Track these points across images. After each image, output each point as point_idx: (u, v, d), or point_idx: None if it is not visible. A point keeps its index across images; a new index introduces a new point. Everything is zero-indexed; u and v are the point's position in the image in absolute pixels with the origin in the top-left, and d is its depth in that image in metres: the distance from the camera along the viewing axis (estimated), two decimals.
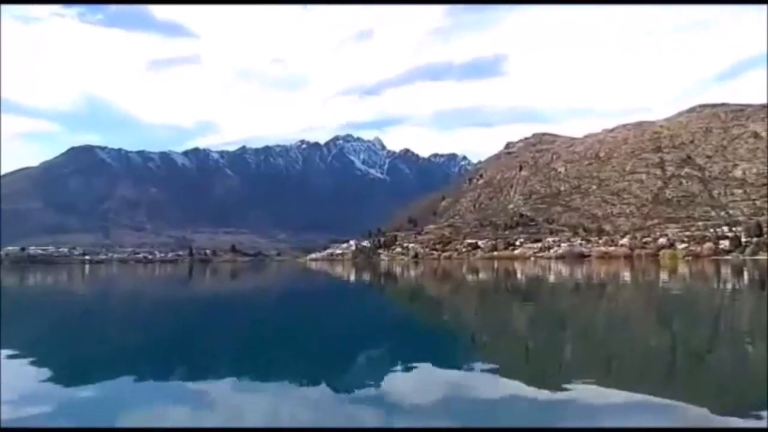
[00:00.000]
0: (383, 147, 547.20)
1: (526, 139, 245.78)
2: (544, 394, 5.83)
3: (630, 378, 6.67)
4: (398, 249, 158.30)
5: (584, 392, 5.82)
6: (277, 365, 7.89)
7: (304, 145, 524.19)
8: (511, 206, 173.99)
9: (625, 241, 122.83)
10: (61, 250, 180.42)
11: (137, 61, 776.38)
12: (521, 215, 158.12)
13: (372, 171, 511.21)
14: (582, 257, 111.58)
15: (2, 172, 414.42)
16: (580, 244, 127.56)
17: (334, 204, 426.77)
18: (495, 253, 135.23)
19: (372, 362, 8.18)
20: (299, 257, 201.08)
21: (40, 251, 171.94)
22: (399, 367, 7.46)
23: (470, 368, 7.38)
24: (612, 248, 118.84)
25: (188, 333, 12.52)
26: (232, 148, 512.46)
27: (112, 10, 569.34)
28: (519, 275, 42.93)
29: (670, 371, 7.25)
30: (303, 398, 5.88)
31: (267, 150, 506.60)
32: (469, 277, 40.53)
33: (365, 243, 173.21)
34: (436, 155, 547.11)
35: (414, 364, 7.55)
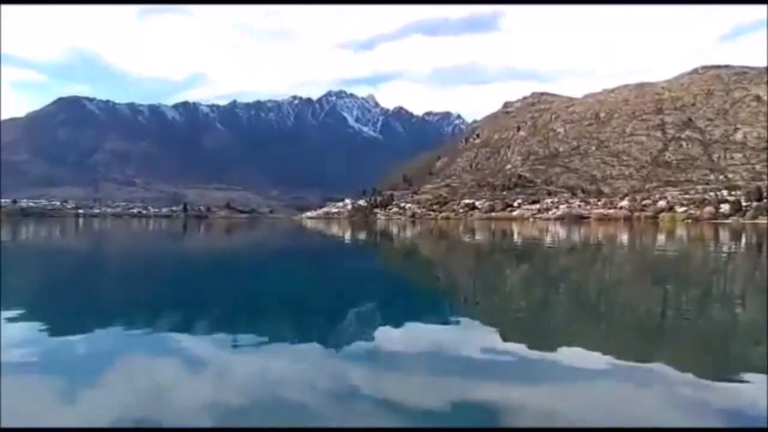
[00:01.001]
0: (377, 104, 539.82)
1: (524, 98, 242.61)
2: (527, 353, 5.90)
3: (617, 340, 6.75)
4: (395, 209, 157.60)
5: (568, 352, 5.91)
6: (267, 321, 7.97)
7: (296, 101, 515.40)
8: (508, 167, 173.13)
9: (624, 203, 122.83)
10: (53, 203, 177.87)
11: (127, 11, 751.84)
12: (519, 176, 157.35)
13: (365, 129, 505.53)
14: (581, 219, 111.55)
15: None
16: (579, 206, 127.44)
17: (326, 161, 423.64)
18: (492, 214, 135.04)
19: (363, 320, 8.22)
20: (294, 215, 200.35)
21: (32, 204, 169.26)
22: (389, 325, 7.58)
23: (459, 326, 7.52)
24: (611, 210, 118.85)
25: (180, 287, 12.51)
26: (222, 102, 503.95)
27: None
28: (516, 236, 42.51)
29: (658, 334, 7.29)
30: (292, 353, 5.96)
31: (258, 105, 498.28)
32: (465, 238, 40.16)
33: (361, 202, 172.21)
34: (429, 113, 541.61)
35: (404, 322, 7.71)
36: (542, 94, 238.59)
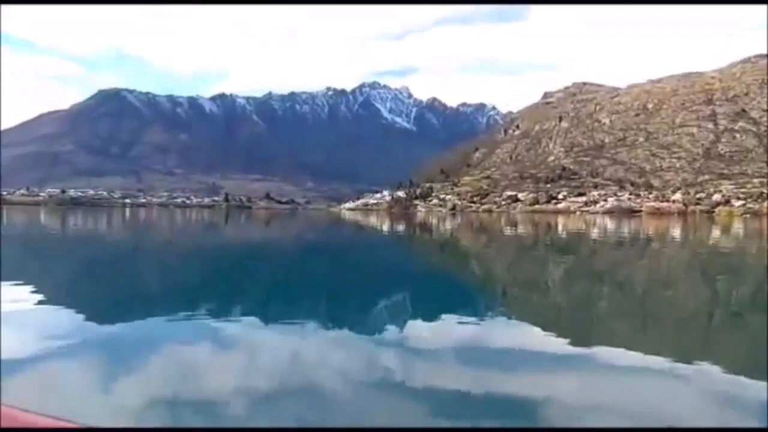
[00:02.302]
0: (410, 95, 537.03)
1: (565, 88, 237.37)
2: (567, 348, 5.62)
3: (661, 338, 6.40)
4: (435, 200, 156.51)
5: (610, 349, 5.64)
6: (304, 309, 8.01)
7: (330, 92, 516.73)
8: (551, 158, 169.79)
9: (677, 196, 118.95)
10: (100, 193, 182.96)
11: (164, 4, 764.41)
12: (563, 168, 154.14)
13: (399, 120, 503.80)
14: (631, 212, 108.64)
15: (34, 114, 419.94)
16: (629, 199, 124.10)
17: (360, 153, 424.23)
18: (536, 206, 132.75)
19: (398, 310, 8.19)
20: (332, 206, 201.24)
21: (80, 194, 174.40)
22: (424, 316, 7.49)
23: (496, 321, 7.36)
24: (664, 204, 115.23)
25: (224, 275, 12.78)
26: (258, 94, 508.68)
27: None
28: (560, 230, 41.35)
29: (706, 332, 6.98)
30: (326, 341, 5.95)
31: (293, 96, 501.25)
32: (507, 231, 39.22)
33: (400, 193, 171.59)
34: (464, 104, 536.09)
35: (439, 315, 7.52)
36: (584, 83, 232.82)
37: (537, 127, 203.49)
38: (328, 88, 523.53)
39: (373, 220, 66.49)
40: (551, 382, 4.61)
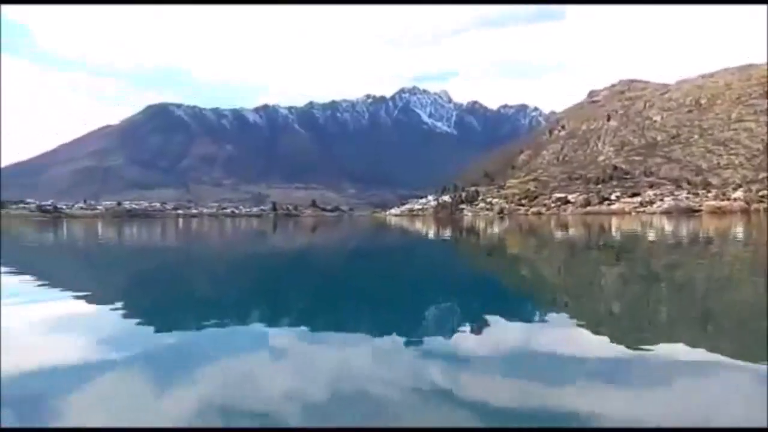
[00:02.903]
0: (450, 99, 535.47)
1: (612, 86, 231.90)
2: (620, 353, 5.48)
3: (720, 342, 6.07)
4: (481, 204, 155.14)
5: (665, 354, 5.41)
6: (349, 316, 8.04)
7: (369, 100, 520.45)
8: (601, 158, 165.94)
9: (739, 194, 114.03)
10: (154, 204, 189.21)
11: (207, 20, 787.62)
12: (614, 167, 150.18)
13: (439, 124, 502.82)
14: (690, 212, 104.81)
15: (86, 131, 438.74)
16: (687, 198, 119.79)
17: (401, 158, 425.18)
18: (588, 208, 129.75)
19: (445, 316, 8.00)
20: (377, 212, 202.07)
21: (134, 206, 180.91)
22: (471, 322, 7.25)
23: (547, 325, 7.10)
24: (725, 202, 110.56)
25: (270, 283, 12.86)
26: (299, 103, 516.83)
27: None
28: (614, 231, 39.84)
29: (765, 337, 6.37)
30: (373, 348, 5.91)
31: (334, 105, 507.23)
32: (558, 233, 37.96)
33: (446, 198, 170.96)
34: (505, 106, 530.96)
35: (487, 320, 7.31)
36: (632, 81, 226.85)
37: (584, 127, 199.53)
38: (368, 96, 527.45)
39: (418, 225, 66.11)
40: (602, 388, 4.52)
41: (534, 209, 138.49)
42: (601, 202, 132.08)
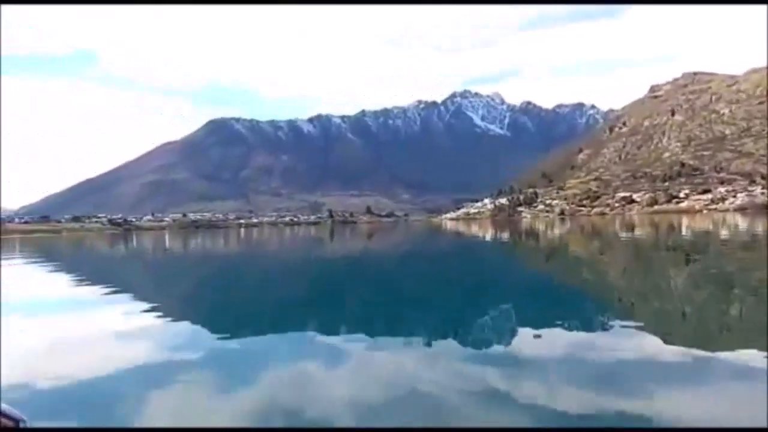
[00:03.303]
0: (502, 101, 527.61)
1: (674, 80, 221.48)
2: (688, 358, 5.27)
3: None
4: (541, 206, 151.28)
5: (735, 358, 5.20)
6: (406, 321, 8.03)
7: (421, 105, 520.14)
8: (666, 155, 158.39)
9: None
10: (217, 215, 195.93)
11: (258, 34, 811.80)
12: (682, 164, 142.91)
13: (492, 127, 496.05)
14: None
15: (150, 147, 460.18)
16: (762, 194, 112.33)
17: (454, 162, 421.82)
18: (655, 207, 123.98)
19: (503, 321, 7.88)
20: (432, 217, 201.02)
21: (199, 217, 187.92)
22: (530, 327, 7.03)
23: (610, 330, 6.73)
24: None
25: (328, 287, 13.15)
26: (352, 112, 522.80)
27: None
28: (684, 230, 37.26)
29: None
30: (431, 353, 5.91)
31: (385, 112, 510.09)
32: (623, 234, 35.89)
33: (503, 201, 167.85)
34: (560, 106, 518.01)
35: (548, 325, 7.10)
36: (695, 74, 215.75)
37: (646, 123, 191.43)
38: (419, 101, 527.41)
39: (475, 229, 64.99)
40: (669, 392, 4.36)
41: (597, 210, 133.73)
42: (668, 201, 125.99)
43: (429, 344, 6.33)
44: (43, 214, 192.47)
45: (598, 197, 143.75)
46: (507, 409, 4.09)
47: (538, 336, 6.54)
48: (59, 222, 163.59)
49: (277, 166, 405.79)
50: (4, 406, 1.66)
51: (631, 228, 45.86)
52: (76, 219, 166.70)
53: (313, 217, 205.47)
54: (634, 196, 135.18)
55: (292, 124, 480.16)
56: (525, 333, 6.77)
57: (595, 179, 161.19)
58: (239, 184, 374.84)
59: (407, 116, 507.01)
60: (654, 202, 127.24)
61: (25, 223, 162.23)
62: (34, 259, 28.05)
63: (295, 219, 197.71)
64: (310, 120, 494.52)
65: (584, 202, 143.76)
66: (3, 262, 25.81)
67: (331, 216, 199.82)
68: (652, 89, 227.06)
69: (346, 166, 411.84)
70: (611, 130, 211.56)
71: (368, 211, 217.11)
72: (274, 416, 4.15)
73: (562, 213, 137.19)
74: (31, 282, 16.68)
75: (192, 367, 5.59)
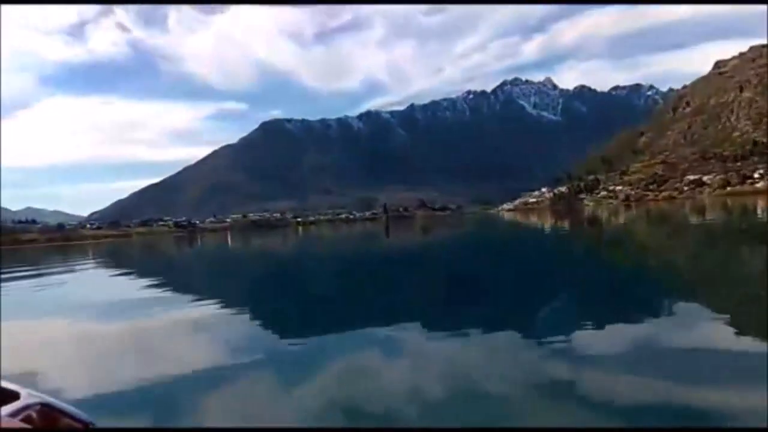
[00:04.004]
0: (555, 87, 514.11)
1: (740, 54, 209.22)
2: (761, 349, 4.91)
3: None
4: (604, 192, 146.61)
5: None
6: (464, 312, 7.93)
7: (470, 95, 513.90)
8: (737, 134, 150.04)
9: None
10: (275, 215, 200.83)
11: (306, 35, 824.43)
12: (755, 143, 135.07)
13: (545, 113, 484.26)
14: None
15: (208, 152, 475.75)
16: None
17: (507, 152, 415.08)
18: (728, 189, 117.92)
19: (565, 312, 7.63)
20: (488, 208, 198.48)
21: (258, 216, 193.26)
22: (594, 318, 6.81)
23: (677, 320, 6.49)
24: None
25: (383, 282, 13.09)
26: (401, 106, 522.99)
27: None
28: (760, 213, 34.99)
29: None
30: (491, 344, 5.88)
31: (434, 105, 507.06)
32: (693, 219, 34.00)
33: (562, 189, 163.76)
34: (615, 88, 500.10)
35: (611, 315, 6.89)
36: (763, 46, 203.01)
37: (712, 101, 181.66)
38: (468, 92, 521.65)
39: (534, 219, 63.62)
40: (743, 389, 4.05)
41: (665, 194, 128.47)
42: (742, 182, 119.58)
43: (490, 338, 6.30)
44: (112, 219, 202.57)
45: (666, 181, 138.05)
46: (566, 404, 3.99)
47: (600, 328, 6.36)
48: (129, 227, 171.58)
49: (329, 163, 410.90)
50: (72, 408, 1.68)
51: (701, 212, 44.07)
52: (144, 223, 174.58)
53: (368, 213, 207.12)
54: (704, 179, 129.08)
55: (342, 122, 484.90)
56: (587, 325, 6.59)
57: (661, 162, 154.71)
58: (293, 183, 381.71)
59: (456, 107, 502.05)
60: (726, 183, 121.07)
61: (97, 228, 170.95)
62: (104, 262, 29.71)
63: (351, 216, 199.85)
64: (359, 116, 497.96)
65: (650, 186, 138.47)
66: (77, 266, 27.25)
67: (385, 211, 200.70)
68: (717, 65, 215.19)
69: (396, 161, 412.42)
70: (674, 110, 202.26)
71: (422, 204, 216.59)
72: (334, 413, 4.15)
73: (626, 199, 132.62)
74: (100, 284, 17.45)
75: (254, 364, 5.67)
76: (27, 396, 1.64)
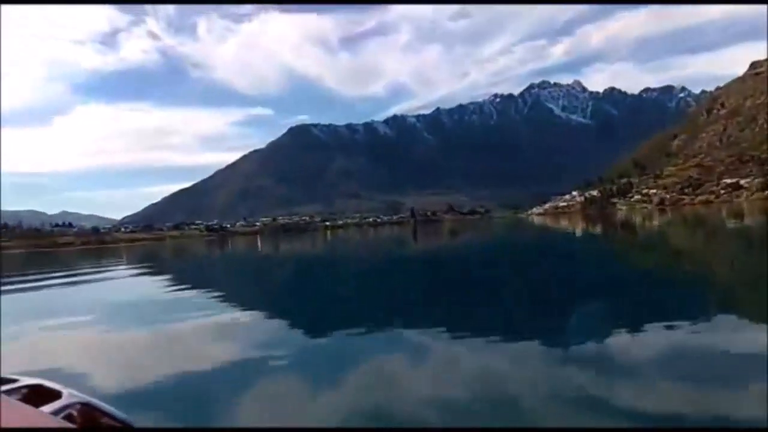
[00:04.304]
0: (584, 89, 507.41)
1: None
2: None
3: None
4: (637, 196, 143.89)
5: None
6: (492, 317, 7.87)
7: (497, 99, 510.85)
8: None
9: None
10: (303, 218, 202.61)
11: (332, 41, 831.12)
12: None
13: (574, 116, 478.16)
14: None
15: (237, 157, 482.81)
16: None
17: (534, 156, 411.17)
18: (766, 192, 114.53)
19: (594, 318, 7.45)
20: (517, 212, 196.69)
21: (287, 220, 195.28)
22: (625, 325, 6.58)
23: (713, 326, 6.26)
24: None
25: (409, 285, 13.09)
26: (427, 111, 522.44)
27: None
28: None
29: None
30: (517, 350, 5.78)
31: (461, 109, 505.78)
32: (731, 223, 32.91)
33: (594, 192, 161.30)
34: (647, 90, 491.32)
35: (643, 321, 6.62)
36: None
37: (748, 103, 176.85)
38: (495, 95, 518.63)
39: (564, 223, 62.47)
40: None
41: (701, 198, 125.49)
42: None
43: (518, 343, 6.21)
44: (144, 223, 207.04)
45: (701, 184, 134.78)
46: (595, 411, 3.89)
47: (633, 334, 6.14)
48: (161, 230, 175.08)
49: (355, 168, 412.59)
50: (112, 408, 1.72)
51: (739, 216, 42.81)
52: (176, 227, 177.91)
53: (395, 217, 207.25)
54: (742, 182, 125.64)
55: (369, 127, 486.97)
56: (619, 332, 6.39)
57: (696, 166, 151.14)
58: (320, 187, 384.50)
59: (483, 111, 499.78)
60: (765, 187, 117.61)
61: (131, 231, 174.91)
62: (138, 265, 30.30)
63: (379, 219, 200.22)
64: (386, 121, 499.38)
65: (686, 190, 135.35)
66: (112, 269, 27.85)
67: (413, 215, 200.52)
68: (753, 66, 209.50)
69: (423, 165, 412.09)
70: (709, 112, 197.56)
71: (450, 209, 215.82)
72: (360, 416, 4.15)
73: (661, 203, 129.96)
74: (133, 287, 17.67)
75: (284, 366, 5.74)
76: (68, 396, 1.69)
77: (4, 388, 1.70)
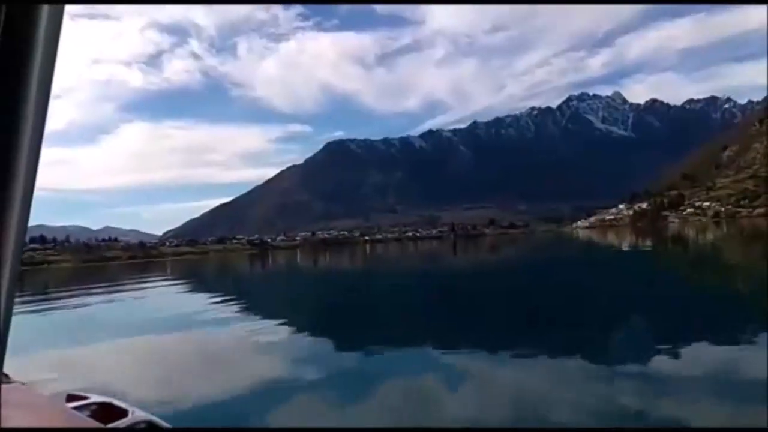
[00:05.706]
0: (624, 101, 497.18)
1: None
2: None
3: None
4: (690, 209, 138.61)
5: None
6: (536, 337, 7.72)
7: (535, 112, 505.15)
8: None
9: None
10: (342, 233, 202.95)
11: (368, 58, 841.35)
12: None
13: (614, 129, 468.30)
14: None
15: (275, 171, 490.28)
16: None
17: (573, 169, 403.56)
18: None
19: (640, 337, 7.40)
20: (562, 226, 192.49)
21: (326, 235, 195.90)
22: (670, 344, 6.55)
23: (760, 346, 6.06)
24: None
25: (447, 305, 12.84)
26: (463, 124, 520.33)
27: (344, 13, 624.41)
28: None
29: None
30: (558, 368, 5.72)
31: (498, 122, 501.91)
32: None
33: (642, 205, 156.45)
34: (690, 101, 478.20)
35: (690, 340, 6.70)
36: None
37: None
38: (533, 108, 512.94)
39: (611, 237, 59.76)
40: None
41: (760, 210, 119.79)
42: None
43: (557, 359, 6.13)
44: (187, 237, 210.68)
45: (758, 197, 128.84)
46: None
47: (677, 353, 6.02)
48: (205, 244, 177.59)
49: (392, 183, 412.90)
50: (155, 419, 1.78)
51: None
52: (219, 241, 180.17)
53: (434, 231, 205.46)
54: None
55: (405, 141, 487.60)
56: (663, 349, 6.23)
57: (751, 177, 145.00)
58: (357, 202, 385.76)
59: (520, 124, 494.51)
60: None
61: (176, 246, 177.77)
62: (184, 281, 30.58)
63: (418, 234, 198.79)
64: (422, 136, 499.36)
65: (742, 202, 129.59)
66: (160, 283, 27.48)
67: (453, 229, 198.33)
68: None
69: (459, 179, 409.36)
70: (761, 122, 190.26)
71: (491, 223, 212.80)
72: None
73: (716, 215, 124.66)
74: (181, 301, 18.09)
75: (318, 382, 5.80)
76: (134, 415, 1.76)
77: (75, 404, 1.77)
